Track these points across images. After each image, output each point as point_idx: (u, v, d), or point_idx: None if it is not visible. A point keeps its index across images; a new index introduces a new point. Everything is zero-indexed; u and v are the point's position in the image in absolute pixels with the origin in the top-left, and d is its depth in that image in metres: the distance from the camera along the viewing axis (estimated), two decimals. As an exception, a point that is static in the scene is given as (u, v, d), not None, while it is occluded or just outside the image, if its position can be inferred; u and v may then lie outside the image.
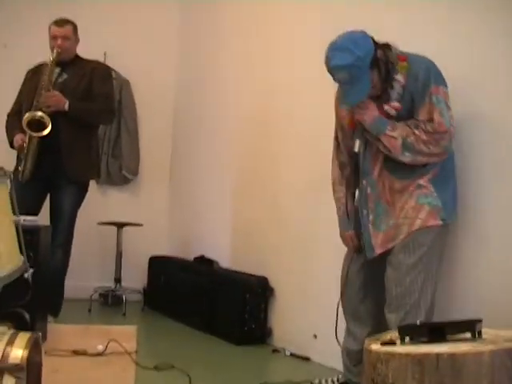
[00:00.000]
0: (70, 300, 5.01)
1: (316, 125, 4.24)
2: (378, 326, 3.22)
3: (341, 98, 3.18)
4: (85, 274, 5.81)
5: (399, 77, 3.02)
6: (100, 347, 4.05)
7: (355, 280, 3.31)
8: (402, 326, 2.60)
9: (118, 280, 5.91)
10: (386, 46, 3.04)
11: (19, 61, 5.62)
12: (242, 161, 5.33)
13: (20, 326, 2.29)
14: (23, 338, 1.69)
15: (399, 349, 2.40)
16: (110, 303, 5.94)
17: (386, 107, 3.05)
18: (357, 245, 3.29)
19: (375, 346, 2.49)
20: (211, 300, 4.98)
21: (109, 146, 6.23)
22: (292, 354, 4.30)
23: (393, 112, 3.05)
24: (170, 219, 6.41)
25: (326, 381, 3.47)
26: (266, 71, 5.01)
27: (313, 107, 4.32)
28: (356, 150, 3.16)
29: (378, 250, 3.15)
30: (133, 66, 6.27)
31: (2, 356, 1.66)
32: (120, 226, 5.86)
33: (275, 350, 4.44)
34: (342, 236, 3.38)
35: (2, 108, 5.06)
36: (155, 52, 6.39)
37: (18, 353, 1.68)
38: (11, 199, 2.08)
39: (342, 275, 3.36)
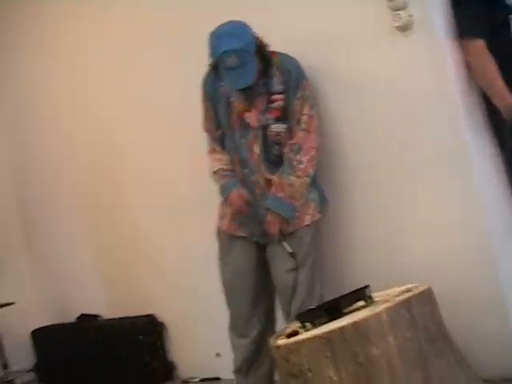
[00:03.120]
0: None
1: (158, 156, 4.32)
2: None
3: (230, 84, 3.18)
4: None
5: (276, 71, 3.18)
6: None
7: (243, 282, 3.35)
8: (299, 314, 2.70)
9: (4, 365, 5.65)
10: (261, 39, 3.16)
11: None
12: (92, 209, 5.19)
13: None
14: None
15: (305, 335, 2.48)
16: (1, 391, 5.68)
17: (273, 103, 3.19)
18: (243, 207, 3.25)
19: (282, 341, 2.56)
20: (107, 354, 4.85)
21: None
22: (202, 380, 4.31)
23: (280, 104, 3.18)
24: (40, 290, 6.18)
25: None
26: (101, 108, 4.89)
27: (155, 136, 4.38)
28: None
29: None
30: None
31: None
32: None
33: (184, 382, 4.43)
34: (230, 199, 3.27)
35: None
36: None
37: None
38: None
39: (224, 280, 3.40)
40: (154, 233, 4.58)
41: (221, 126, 3.32)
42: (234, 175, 3.29)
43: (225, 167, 3.30)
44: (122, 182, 4.80)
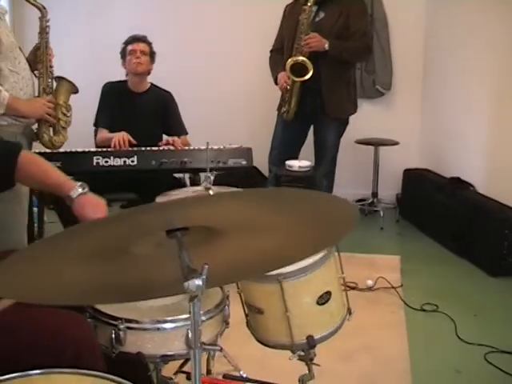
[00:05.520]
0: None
1: None
2: None
3: None
4: (343, 183, 6.17)
5: None
6: (370, 282, 4.47)
7: None
8: None
9: (374, 194, 6.30)
10: None
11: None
12: (500, 82, 5.22)
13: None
14: None
15: None
16: (366, 213, 6.35)
17: None
18: None
19: None
20: (468, 226, 5.12)
21: (362, 60, 6.40)
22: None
23: None
24: (423, 135, 6.51)
25: None
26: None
27: None
28: None
29: None
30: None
31: None
32: (376, 144, 6.16)
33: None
34: None
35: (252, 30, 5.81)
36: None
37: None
38: (340, 260, 2.41)
39: None
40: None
41: None
42: None
43: None
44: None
